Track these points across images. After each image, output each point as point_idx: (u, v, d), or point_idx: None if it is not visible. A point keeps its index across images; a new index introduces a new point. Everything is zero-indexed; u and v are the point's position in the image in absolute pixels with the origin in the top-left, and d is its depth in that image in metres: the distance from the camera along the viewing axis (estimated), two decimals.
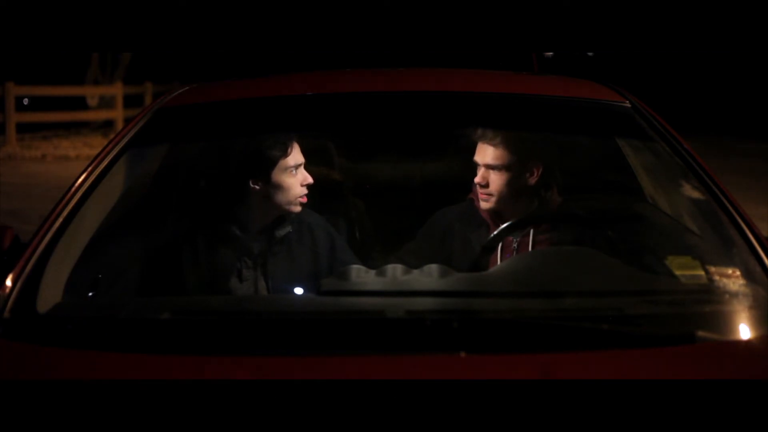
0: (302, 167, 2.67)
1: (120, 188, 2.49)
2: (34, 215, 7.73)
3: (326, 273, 2.62)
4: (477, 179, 2.67)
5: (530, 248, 2.60)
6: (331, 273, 2.58)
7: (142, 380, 1.67)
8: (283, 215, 2.69)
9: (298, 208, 2.68)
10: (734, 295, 2.02)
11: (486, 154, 2.64)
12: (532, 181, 2.65)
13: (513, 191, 2.64)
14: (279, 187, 2.65)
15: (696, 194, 2.33)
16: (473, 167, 2.71)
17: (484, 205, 2.68)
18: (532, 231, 2.62)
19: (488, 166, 2.64)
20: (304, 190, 2.68)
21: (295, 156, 2.65)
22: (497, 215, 2.67)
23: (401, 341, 1.77)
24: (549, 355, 1.71)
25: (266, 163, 2.63)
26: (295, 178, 2.66)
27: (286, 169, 2.64)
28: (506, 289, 2.04)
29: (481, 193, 2.67)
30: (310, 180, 2.68)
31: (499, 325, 1.84)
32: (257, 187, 2.65)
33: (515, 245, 2.63)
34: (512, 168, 2.62)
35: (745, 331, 1.88)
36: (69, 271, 2.14)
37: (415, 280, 2.02)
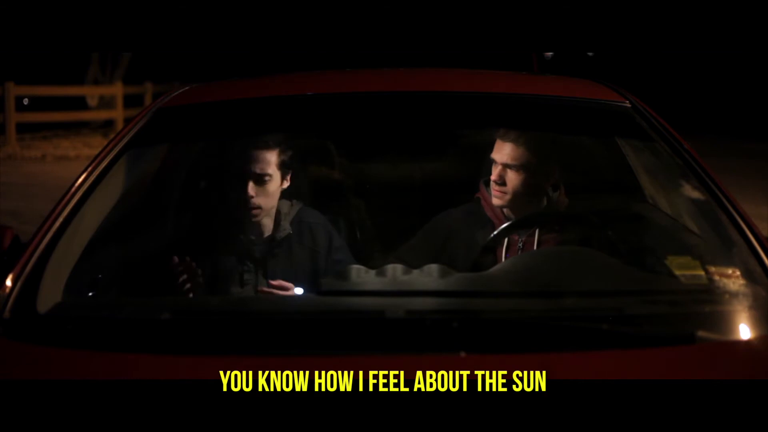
0: (251, 182, 2.62)
1: (120, 188, 2.48)
2: (34, 215, 7.73)
3: (323, 273, 2.62)
4: (493, 177, 2.67)
5: (535, 248, 2.60)
6: (328, 273, 2.58)
7: (141, 380, 1.67)
8: (279, 219, 2.68)
9: (255, 218, 2.66)
10: (734, 295, 2.02)
11: (505, 152, 2.65)
12: (548, 182, 2.66)
13: (529, 191, 2.65)
14: (231, 197, 2.65)
15: (696, 194, 2.33)
16: (474, 168, 2.71)
17: (497, 201, 2.68)
18: (537, 231, 2.62)
19: (506, 165, 2.64)
20: (253, 203, 2.63)
21: (247, 167, 2.62)
22: (508, 214, 2.67)
23: (401, 341, 1.77)
24: (549, 354, 1.71)
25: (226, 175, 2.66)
26: (248, 187, 2.62)
27: (235, 180, 2.63)
28: (506, 289, 2.05)
29: (496, 190, 2.67)
30: (252, 195, 2.62)
31: (499, 325, 1.84)
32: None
33: (520, 245, 2.63)
34: (530, 168, 2.63)
35: (745, 331, 1.88)
36: (69, 271, 2.14)
37: (415, 280, 2.02)
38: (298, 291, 2.49)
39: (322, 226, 2.73)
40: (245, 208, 2.63)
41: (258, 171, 2.62)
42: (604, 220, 2.55)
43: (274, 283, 2.48)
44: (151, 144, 2.62)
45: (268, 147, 2.62)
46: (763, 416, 1.59)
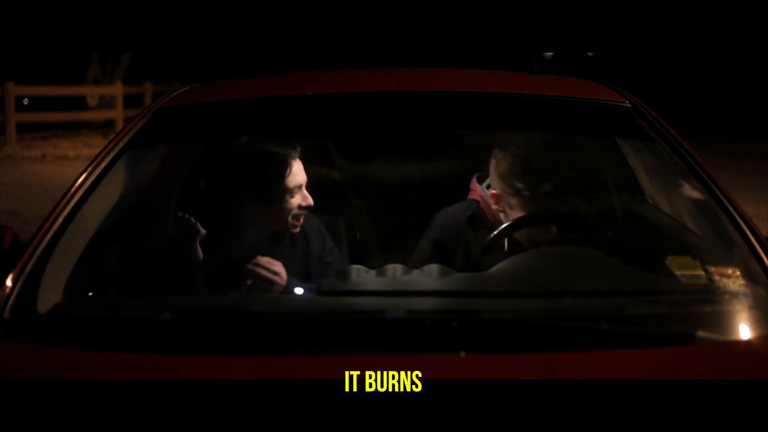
0: (303, 188, 2.64)
1: (120, 188, 2.48)
2: (34, 215, 7.74)
3: (315, 275, 2.61)
4: (493, 190, 2.67)
5: (533, 249, 2.59)
6: (320, 276, 2.58)
7: (142, 380, 1.67)
8: (279, 232, 2.68)
9: (295, 229, 2.66)
10: (734, 295, 2.02)
11: (498, 162, 2.64)
12: (549, 184, 2.65)
13: (526, 196, 2.63)
14: (274, 207, 2.62)
15: (696, 194, 2.33)
16: (474, 167, 2.70)
17: (496, 207, 2.68)
18: (534, 231, 2.61)
19: (500, 174, 2.64)
20: (303, 212, 2.65)
21: (296, 177, 2.62)
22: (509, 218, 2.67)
23: (401, 341, 1.77)
24: (549, 354, 1.72)
25: (263, 182, 2.61)
26: (293, 199, 2.62)
27: (284, 190, 2.61)
28: (506, 289, 2.05)
29: (494, 197, 2.66)
30: (309, 201, 2.64)
31: (499, 325, 1.84)
32: (254, 203, 2.64)
33: (518, 246, 2.62)
34: (525, 175, 2.62)
35: (745, 331, 1.88)
36: (69, 271, 2.13)
37: (415, 280, 2.02)
38: (284, 274, 2.49)
39: (316, 228, 2.73)
40: (292, 217, 2.64)
41: (302, 181, 2.65)
42: (604, 220, 2.54)
43: (263, 259, 2.49)
44: (151, 144, 2.62)
45: (297, 156, 2.65)
46: (763, 416, 1.59)
